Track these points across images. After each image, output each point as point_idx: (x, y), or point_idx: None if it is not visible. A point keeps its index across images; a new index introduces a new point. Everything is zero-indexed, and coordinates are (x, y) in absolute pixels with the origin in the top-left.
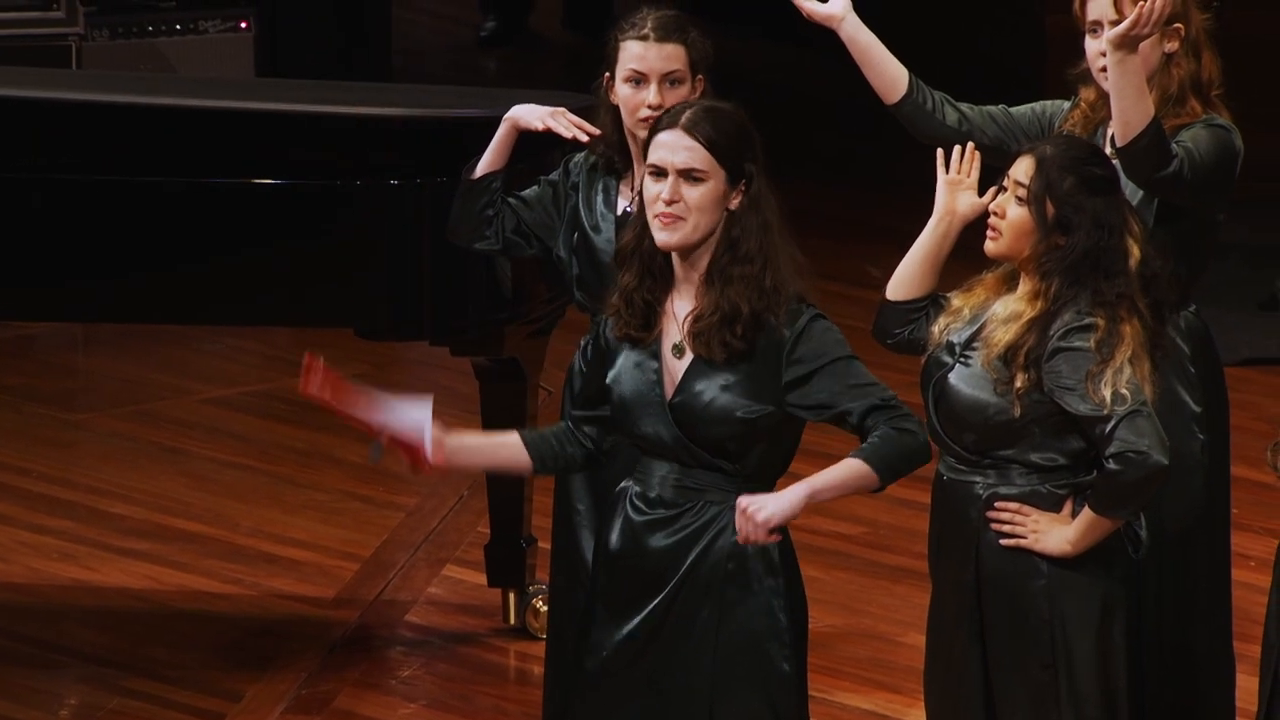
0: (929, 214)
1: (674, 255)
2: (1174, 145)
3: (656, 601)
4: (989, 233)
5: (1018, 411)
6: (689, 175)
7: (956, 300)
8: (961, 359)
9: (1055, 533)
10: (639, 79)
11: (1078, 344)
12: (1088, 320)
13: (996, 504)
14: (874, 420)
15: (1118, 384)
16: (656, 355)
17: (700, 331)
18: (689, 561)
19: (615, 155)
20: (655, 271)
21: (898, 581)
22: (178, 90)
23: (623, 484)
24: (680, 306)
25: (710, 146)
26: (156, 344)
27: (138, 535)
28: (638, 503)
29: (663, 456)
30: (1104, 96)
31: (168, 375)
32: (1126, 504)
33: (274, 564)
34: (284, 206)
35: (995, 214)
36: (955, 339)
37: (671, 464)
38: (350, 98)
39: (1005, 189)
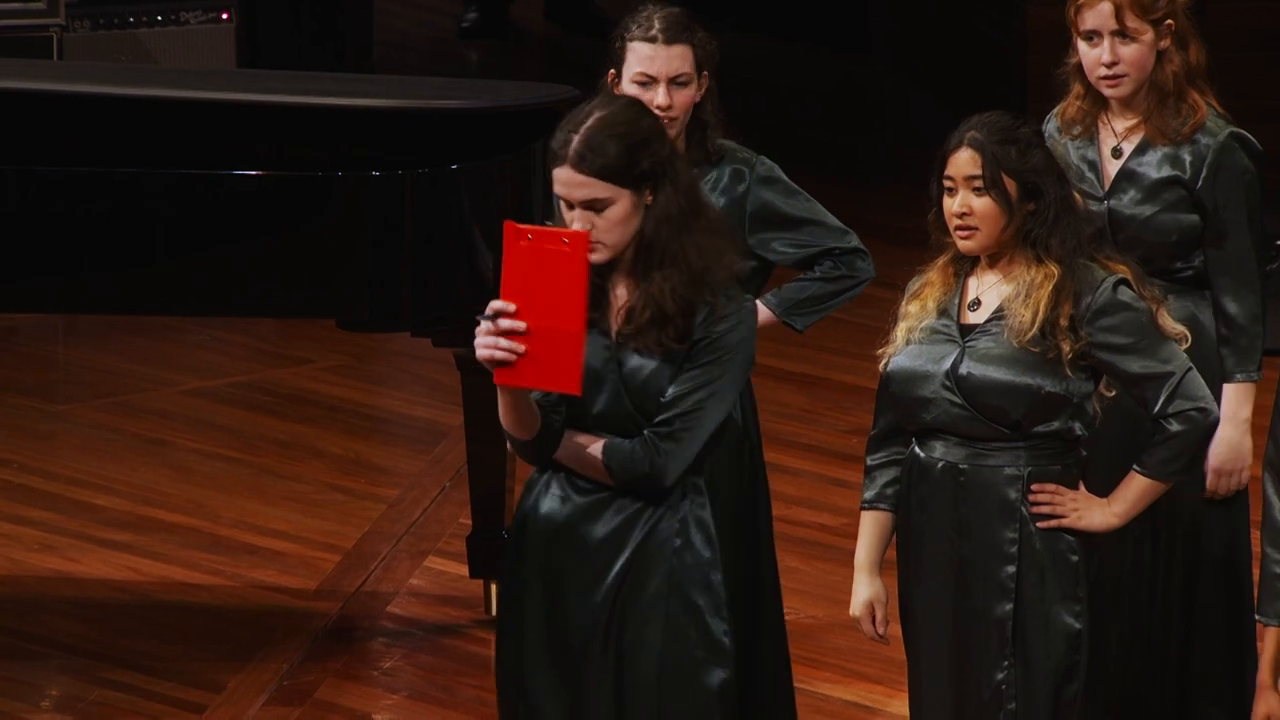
0: (921, 209)
1: None
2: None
3: (610, 580)
4: (962, 233)
5: (1070, 375)
6: (593, 206)
7: (911, 307)
8: (970, 345)
9: (1097, 509)
10: (647, 81)
11: (1125, 299)
12: (1116, 277)
13: (1034, 486)
14: (661, 424)
15: (1168, 337)
16: (607, 333)
17: (636, 330)
18: (639, 538)
19: None
20: None
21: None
22: (160, 82)
23: (560, 473)
24: (617, 287)
25: (604, 174)
26: (138, 335)
27: (119, 526)
28: (578, 482)
29: (604, 430)
30: (1097, 99)
31: (149, 366)
32: (1187, 463)
33: (255, 555)
34: (266, 198)
35: (965, 213)
36: (940, 325)
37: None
38: (332, 89)
39: (951, 191)
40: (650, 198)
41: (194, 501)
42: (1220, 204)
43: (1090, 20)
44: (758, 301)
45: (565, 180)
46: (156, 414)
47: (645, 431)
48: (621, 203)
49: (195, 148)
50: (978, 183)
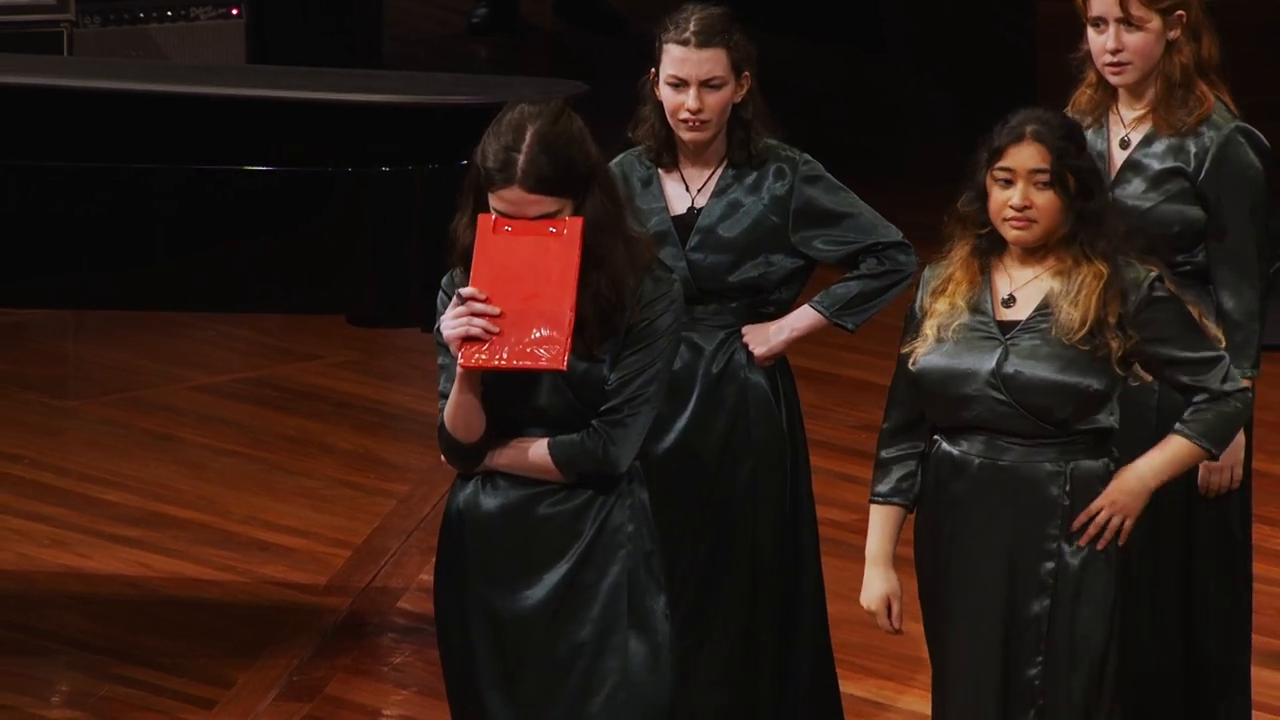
0: (936, 206)
1: None
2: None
3: (563, 567)
4: (1017, 224)
5: (1120, 373)
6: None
7: (939, 304)
8: (1012, 343)
9: (1134, 499)
10: (678, 83)
11: (1163, 294)
12: (1154, 274)
13: (1075, 525)
14: (607, 412)
15: (1208, 322)
16: None
17: None
18: (592, 530)
19: (663, 150)
20: None
21: None
22: (168, 77)
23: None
24: None
25: (556, 190)
26: (146, 331)
27: (129, 522)
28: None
29: (550, 426)
30: (1108, 88)
31: (158, 362)
32: (1226, 440)
33: (266, 551)
34: (275, 193)
35: (1026, 206)
36: (976, 323)
37: (560, 432)
38: (341, 84)
39: (1011, 183)
40: (580, 202)
41: (204, 497)
42: (1221, 197)
43: (1097, 7)
44: (806, 306)
45: (516, 200)
46: (166, 409)
47: (595, 422)
48: (565, 211)
49: (204, 143)
50: (1043, 177)
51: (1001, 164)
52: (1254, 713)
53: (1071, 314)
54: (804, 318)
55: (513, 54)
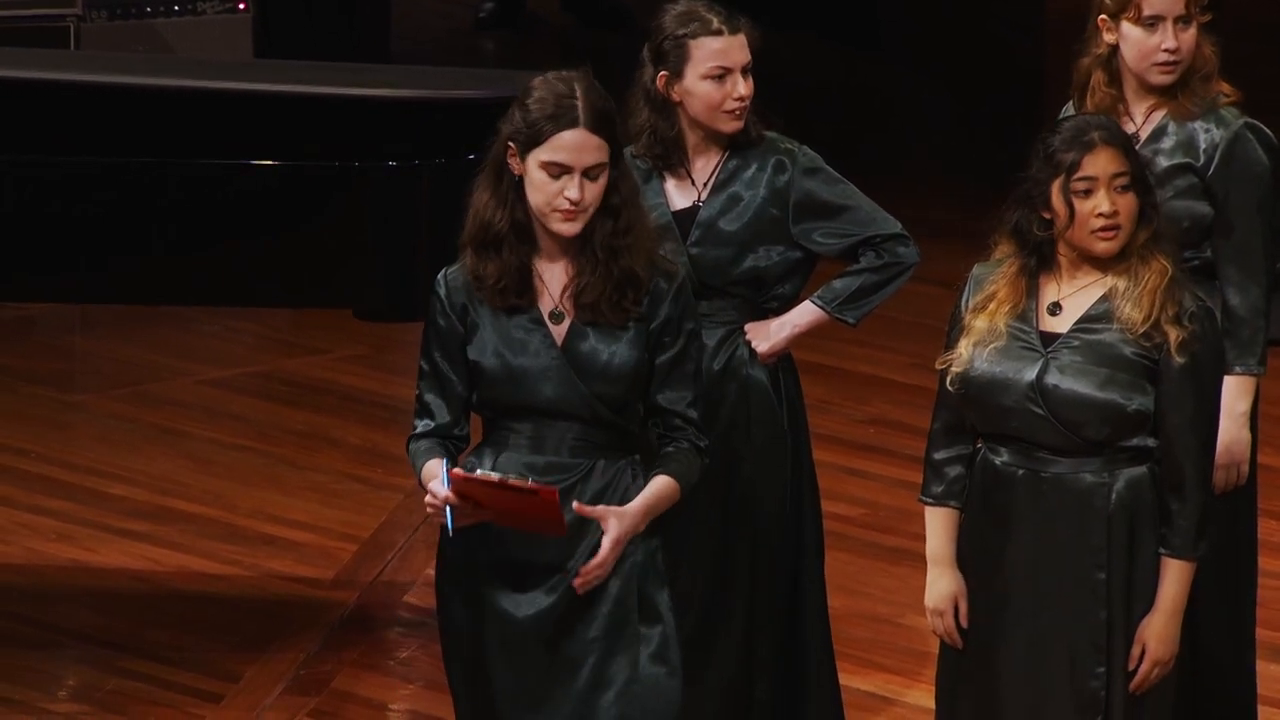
0: (931, 203)
1: (540, 224)
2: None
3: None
4: (1107, 234)
5: (1179, 359)
6: (591, 171)
7: (978, 321)
8: (1053, 355)
9: (1175, 643)
10: (723, 73)
11: (1190, 355)
12: (1194, 311)
13: (1133, 685)
14: (680, 429)
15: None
16: (539, 320)
17: (593, 301)
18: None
19: (669, 151)
20: (527, 240)
21: (897, 563)
22: (175, 71)
23: (498, 460)
24: (549, 272)
25: (608, 133)
26: (154, 325)
27: (136, 516)
28: (532, 478)
29: (558, 418)
30: (1117, 86)
31: (166, 356)
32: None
33: (273, 545)
34: (283, 188)
35: (1115, 212)
36: (1018, 330)
37: (569, 424)
38: (349, 79)
39: (1088, 192)
40: (614, 158)
41: (211, 492)
42: (1230, 194)
43: (1156, 6)
44: (807, 302)
45: (579, 144)
46: (173, 404)
47: (686, 444)
48: (608, 171)
49: (211, 138)
50: (1124, 179)
51: (1082, 174)
52: (1260, 707)
53: (1132, 315)
54: (805, 313)
55: (519, 49)
